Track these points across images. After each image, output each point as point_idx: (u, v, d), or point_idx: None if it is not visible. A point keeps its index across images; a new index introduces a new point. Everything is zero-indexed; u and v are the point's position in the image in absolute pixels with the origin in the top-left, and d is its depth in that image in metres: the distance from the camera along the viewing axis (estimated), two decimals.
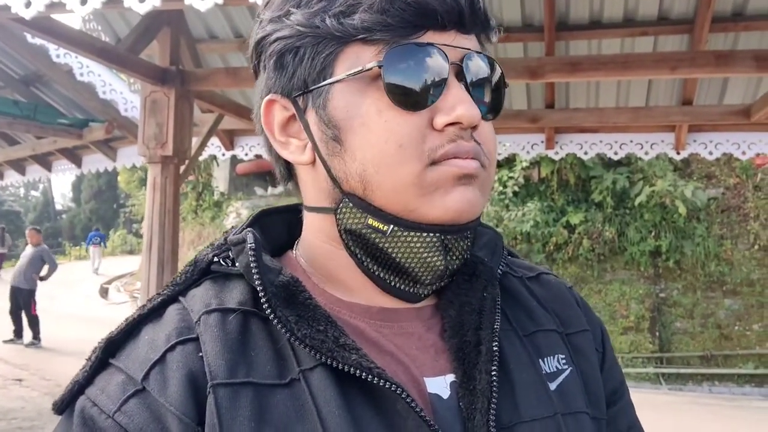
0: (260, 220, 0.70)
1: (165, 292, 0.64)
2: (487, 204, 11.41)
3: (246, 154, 5.68)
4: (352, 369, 0.55)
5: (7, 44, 4.61)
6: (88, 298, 16.28)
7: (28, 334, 9.96)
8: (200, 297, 0.62)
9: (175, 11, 3.82)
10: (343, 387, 0.56)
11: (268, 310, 0.58)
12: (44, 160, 7.19)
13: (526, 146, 5.18)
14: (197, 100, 4.17)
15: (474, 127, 0.60)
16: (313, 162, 0.64)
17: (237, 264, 0.63)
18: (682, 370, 10.47)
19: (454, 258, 0.64)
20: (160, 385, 0.56)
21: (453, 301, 0.66)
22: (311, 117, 0.62)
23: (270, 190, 15.21)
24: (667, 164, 10.75)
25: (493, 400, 0.59)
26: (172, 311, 0.62)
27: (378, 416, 0.56)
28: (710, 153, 4.83)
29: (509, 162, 11.55)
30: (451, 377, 0.62)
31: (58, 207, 46.05)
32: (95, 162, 6.83)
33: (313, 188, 0.66)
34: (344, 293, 0.65)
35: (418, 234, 0.60)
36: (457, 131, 0.59)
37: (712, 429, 7.29)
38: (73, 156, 6.91)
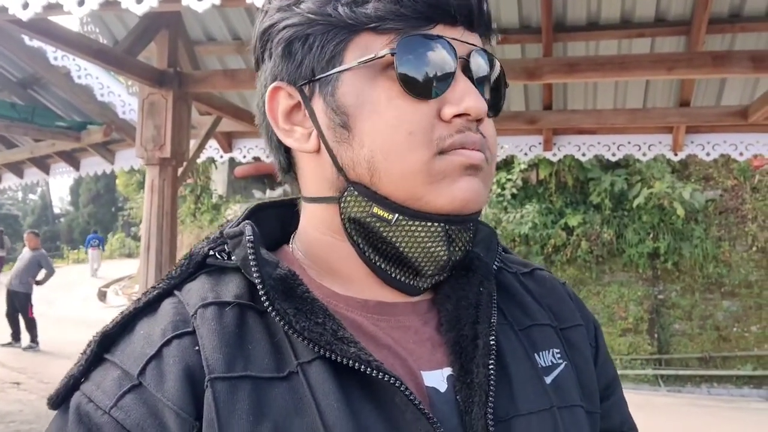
0: (256, 214, 0.70)
1: (160, 285, 0.64)
2: (486, 206, 11.35)
3: (244, 157, 5.68)
4: (350, 362, 0.55)
5: (4, 47, 4.60)
6: (86, 302, 16.25)
7: (25, 337, 9.94)
8: (196, 291, 0.62)
9: (173, 13, 3.82)
10: (342, 380, 0.56)
11: (266, 303, 0.58)
12: (42, 163, 7.17)
13: (524, 148, 5.18)
14: (195, 102, 4.17)
15: (479, 121, 0.61)
16: (318, 150, 0.64)
17: (233, 257, 0.63)
18: (681, 372, 10.47)
19: (457, 249, 0.64)
20: (157, 380, 0.55)
21: (450, 295, 0.66)
22: (318, 104, 0.63)
23: (268, 192, 15.20)
24: (665, 166, 10.77)
25: (491, 393, 0.59)
26: (167, 305, 0.62)
27: (376, 409, 0.56)
28: (708, 154, 4.83)
29: (507, 164, 11.56)
30: (448, 371, 0.62)
31: (57, 211, 45.97)
32: (93, 165, 6.81)
33: (315, 178, 0.66)
34: (341, 287, 0.65)
35: (423, 223, 0.61)
36: (464, 123, 0.60)
37: (711, 431, 7.28)
38: (71, 159, 6.90)
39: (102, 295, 17.35)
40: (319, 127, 0.63)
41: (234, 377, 0.55)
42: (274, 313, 0.57)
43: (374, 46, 0.60)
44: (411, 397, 0.55)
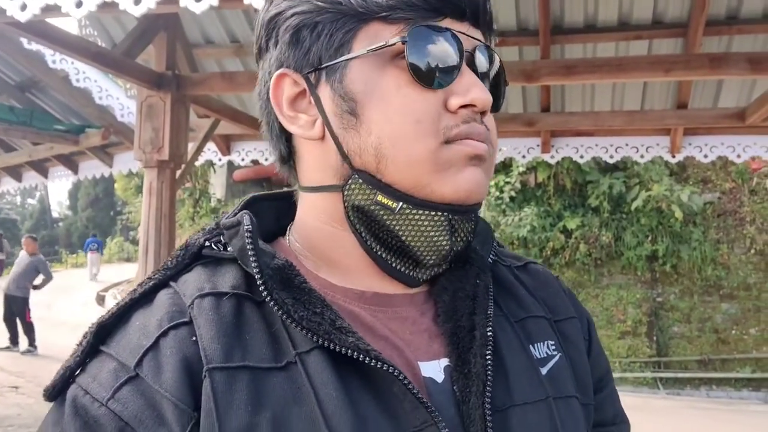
0: (251, 206, 0.70)
1: (156, 276, 0.64)
2: (484, 208, 11.42)
3: (242, 159, 5.68)
4: (349, 351, 0.55)
5: (3, 50, 4.61)
6: (84, 306, 16.21)
7: (23, 341, 9.92)
8: (192, 282, 0.62)
9: (171, 16, 3.83)
10: (340, 370, 0.56)
11: (265, 293, 0.58)
12: (41, 167, 7.17)
13: (522, 150, 5.19)
14: (193, 104, 4.17)
15: (482, 114, 0.62)
16: (322, 137, 0.64)
17: (230, 248, 0.63)
18: (680, 375, 10.47)
19: (459, 240, 0.64)
20: (154, 371, 0.55)
21: (447, 287, 0.67)
22: (324, 92, 0.63)
23: None
24: (663, 169, 10.80)
25: (488, 383, 0.59)
26: (162, 296, 0.62)
27: (375, 399, 0.56)
28: (705, 156, 4.85)
29: (506, 167, 11.58)
30: (444, 361, 0.62)
31: (55, 215, 45.92)
32: (92, 168, 6.80)
33: (318, 166, 0.66)
34: (339, 278, 0.65)
35: (427, 212, 0.61)
36: (470, 113, 0.61)
37: None
38: (70, 162, 6.89)
39: (101, 300, 17.31)
40: (324, 114, 0.63)
41: (232, 367, 0.55)
42: (272, 303, 0.57)
43: (384, 35, 0.60)
44: (409, 387, 0.55)
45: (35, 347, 9.87)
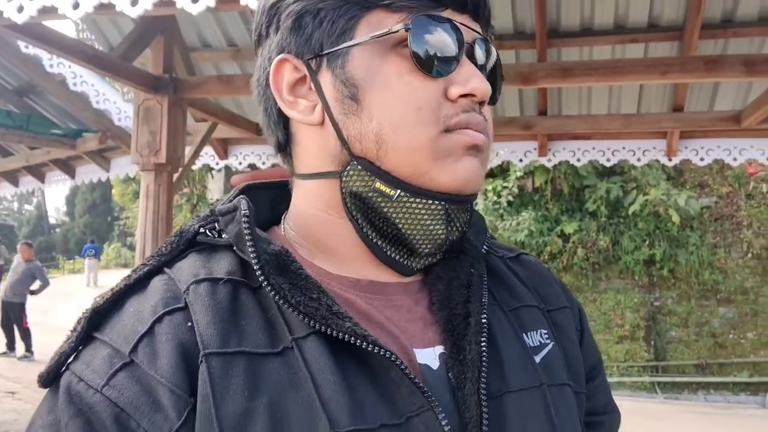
0: (246, 194, 0.69)
1: (150, 262, 0.64)
2: (482, 213, 11.43)
3: (240, 163, 5.68)
4: (346, 336, 0.55)
5: (0, 54, 4.60)
6: (81, 311, 16.17)
7: (20, 347, 9.89)
8: (187, 268, 0.62)
9: (168, 19, 3.83)
10: (337, 355, 0.56)
11: (262, 278, 0.58)
12: (38, 171, 7.15)
13: (519, 153, 5.19)
14: (190, 108, 4.17)
15: (481, 104, 0.63)
16: (322, 123, 0.64)
17: (225, 235, 0.63)
18: (678, 379, 10.47)
19: (455, 229, 0.65)
20: (150, 357, 0.55)
21: (441, 276, 0.67)
22: (325, 78, 0.63)
23: None
24: (660, 173, 10.81)
25: (483, 370, 0.60)
26: (156, 282, 0.61)
27: (372, 383, 0.56)
28: (701, 159, 4.85)
29: (503, 172, 11.59)
30: (439, 349, 0.63)
31: (52, 221, 45.80)
32: (89, 173, 6.79)
33: (317, 152, 0.66)
34: (334, 265, 0.65)
35: (424, 201, 0.62)
36: (469, 103, 0.62)
37: None
38: (67, 167, 6.87)
39: None
40: (325, 99, 0.63)
41: (228, 353, 0.55)
42: (269, 288, 0.57)
43: (386, 22, 0.61)
44: (406, 372, 0.55)
45: (32, 353, 9.84)
